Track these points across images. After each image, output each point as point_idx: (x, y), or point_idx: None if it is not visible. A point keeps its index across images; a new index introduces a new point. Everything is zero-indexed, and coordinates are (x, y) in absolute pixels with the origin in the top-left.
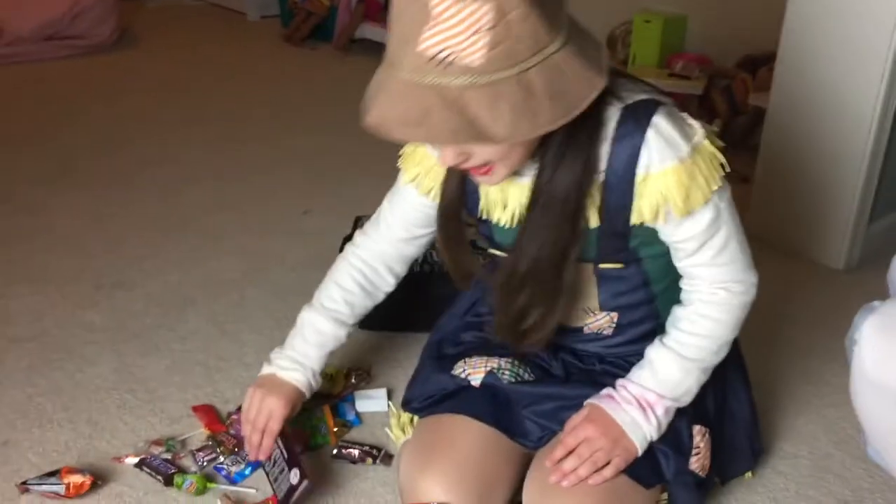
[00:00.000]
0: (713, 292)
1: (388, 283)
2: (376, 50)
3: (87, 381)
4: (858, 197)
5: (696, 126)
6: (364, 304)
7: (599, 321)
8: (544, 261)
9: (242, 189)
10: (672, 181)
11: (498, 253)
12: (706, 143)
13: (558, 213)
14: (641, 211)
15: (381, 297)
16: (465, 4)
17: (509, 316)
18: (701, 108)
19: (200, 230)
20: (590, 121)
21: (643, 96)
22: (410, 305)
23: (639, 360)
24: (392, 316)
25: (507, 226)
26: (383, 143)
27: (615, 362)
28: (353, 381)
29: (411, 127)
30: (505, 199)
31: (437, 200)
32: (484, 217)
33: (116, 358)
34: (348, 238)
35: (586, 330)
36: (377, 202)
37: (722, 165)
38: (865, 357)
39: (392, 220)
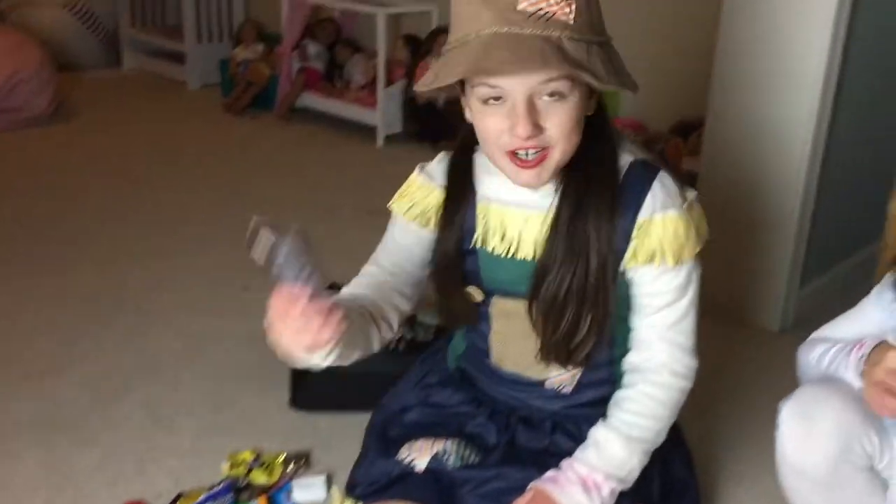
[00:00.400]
0: (658, 373)
1: (393, 312)
2: (318, 118)
3: (11, 480)
4: (790, 259)
5: (690, 189)
6: (381, 307)
7: (562, 376)
8: (589, 276)
9: (181, 266)
10: (671, 229)
11: (472, 292)
12: (698, 205)
13: (586, 236)
14: (637, 253)
15: (384, 328)
16: None
17: (558, 336)
18: None
19: (136, 310)
20: (610, 159)
21: (646, 157)
22: (351, 383)
23: (591, 425)
24: (331, 395)
25: (503, 255)
26: (327, 214)
27: (567, 427)
28: (290, 468)
29: (531, 62)
30: (504, 228)
31: (431, 229)
32: (478, 246)
33: (44, 452)
34: None
35: (547, 384)
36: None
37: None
38: (785, 443)
39: (387, 257)
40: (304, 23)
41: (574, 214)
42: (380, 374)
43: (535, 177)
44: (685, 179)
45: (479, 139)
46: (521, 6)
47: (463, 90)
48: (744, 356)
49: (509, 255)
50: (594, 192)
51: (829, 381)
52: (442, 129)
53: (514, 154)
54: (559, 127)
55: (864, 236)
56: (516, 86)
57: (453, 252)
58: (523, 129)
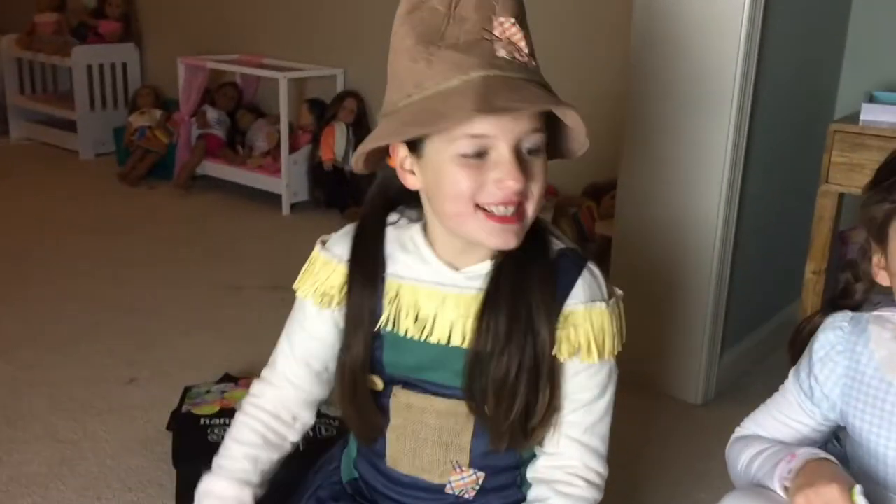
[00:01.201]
0: (571, 484)
1: (294, 432)
2: (220, 187)
3: None
4: (708, 328)
5: (616, 288)
6: (269, 459)
7: (465, 480)
8: (538, 353)
9: (57, 360)
10: (598, 322)
11: (376, 379)
12: (622, 304)
13: (530, 314)
14: (561, 345)
15: (287, 447)
16: (518, 24)
17: (512, 418)
18: None
19: (1, 414)
20: (543, 239)
21: (576, 248)
22: None
23: None
24: None
25: (414, 338)
26: (231, 292)
27: None
28: None
29: (538, 99)
30: (417, 308)
31: (340, 310)
32: (386, 328)
33: None
34: (176, 412)
35: (448, 489)
36: (214, 365)
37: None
38: None
39: (291, 353)
40: (202, 88)
41: (516, 291)
42: (275, 483)
43: (516, 234)
44: (600, 244)
45: (440, 201)
46: (500, 53)
47: (391, 153)
48: (665, 430)
49: (421, 338)
50: (533, 271)
51: (758, 491)
52: (350, 195)
53: (489, 212)
54: (539, 184)
55: (781, 299)
56: (506, 133)
57: (362, 336)
58: (517, 179)
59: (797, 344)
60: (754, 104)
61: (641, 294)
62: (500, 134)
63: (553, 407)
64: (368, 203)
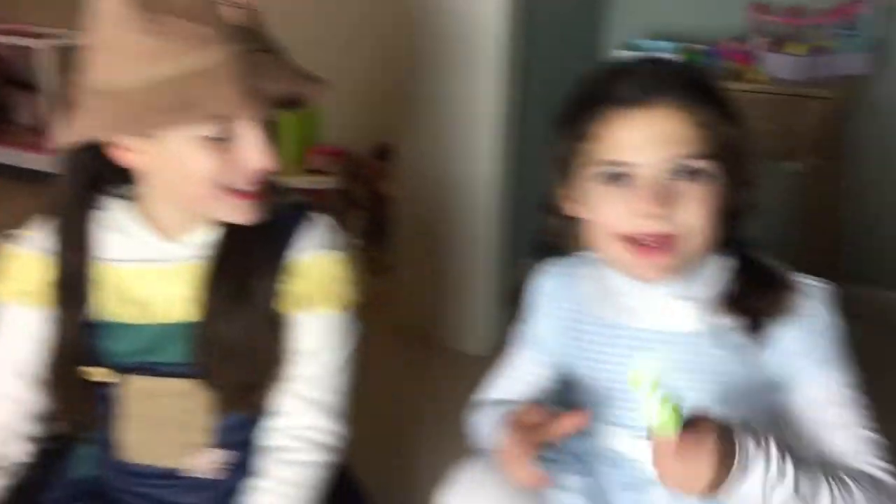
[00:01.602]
0: (297, 450)
1: (19, 451)
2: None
3: None
4: (490, 281)
5: (354, 239)
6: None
7: (212, 461)
8: (259, 318)
9: None
10: (326, 270)
11: (101, 371)
12: (358, 257)
13: (250, 279)
14: (290, 297)
15: (14, 469)
16: None
17: (239, 379)
18: (344, 201)
19: None
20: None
21: (303, 200)
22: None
23: None
24: None
25: (134, 322)
26: None
27: None
28: None
29: (295, 84)
30: (133, 290)
31: (47, 305)
32: (104, 317)
33: None
34: None
35: (195, 473)
36: None
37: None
38: None
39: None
40: None
41: (237, 254)
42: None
43: (260, 209)
44: (386, 202)
45: (178, 182)
46: (228, 16)
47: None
48: (447, 382)
49: (143, 321)
50: (256, 230)
51: (489, 462)
52: None
53: (235, 191)
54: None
55: None
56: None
57: (72, 327)
58: (267, 159)
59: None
60: (524, 60)
61: (424, 250)
62: (248, 115)
63: (281, 363)
64: (66, 186)
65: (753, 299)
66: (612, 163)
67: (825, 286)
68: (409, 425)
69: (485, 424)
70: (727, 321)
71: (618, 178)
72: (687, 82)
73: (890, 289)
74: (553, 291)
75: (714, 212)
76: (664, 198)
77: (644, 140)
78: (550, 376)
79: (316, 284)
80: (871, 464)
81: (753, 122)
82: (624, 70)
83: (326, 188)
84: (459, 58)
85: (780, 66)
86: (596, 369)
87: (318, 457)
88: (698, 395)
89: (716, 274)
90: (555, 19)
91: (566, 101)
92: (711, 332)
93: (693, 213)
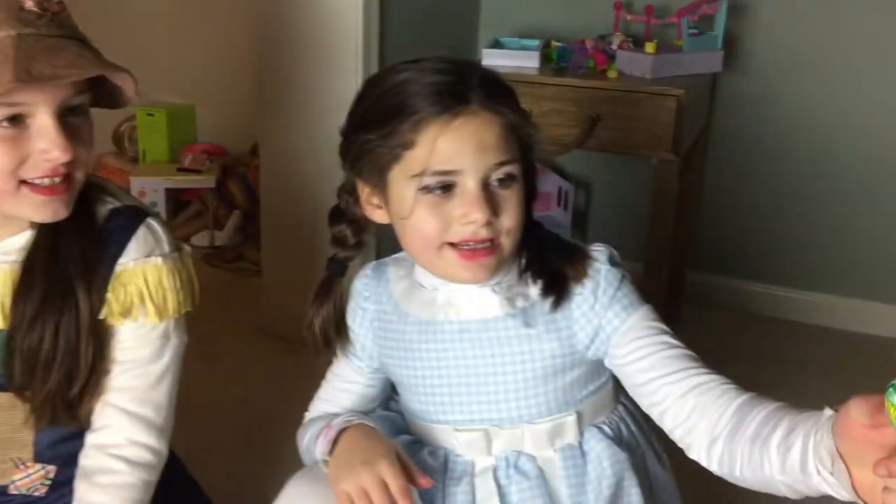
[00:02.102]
0: (110, 468)
1: None
2: None
3: None
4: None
5: (185, 246)
6: None
7: (31, 476)
8: (78, 323)
9: None
10: (152, 278)
11: None
12: (190, 262)
13: (69, 282)
14: (112, 306)
15: None
16: None
17: (50, 388)
18: (220, 200)
19: None
20: (82, 212)
21: (136, 204)
22: None
23: None
24: None
25: None
26: None
27: None
28: None
29: (81, 67)
30: None
31: None
32: None
33: None
34: None
35: (12, 489)
36: None
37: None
38: None
39: None
40: None
41: (52, 258)
42: None
43: (65, 204)
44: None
45: None
46: (27, 5)
47: None
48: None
49: None
50: (74, 234)
51: (314, 476)
52: None
53: (35, 185)
54: (87, 147)
55: None
56: (48, 101)
57: None
58: (64, 149)
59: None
60: (382, 57)
61: (289, 249)
62: (41, 102)
63: (97, 372)
64: None
65: (551, 265)
66: (438, 173)
67: (606, 247)
68: (262, 429)
69: (303, 438)
70: (533, 298)
71: (444, 187)
72: (494, 87)
73: (741, 277)
74: (367, 295)
75: (523, 209)
76: (491, 204)
77: (465, 148)
78: (373, 381)
79: (138, 293)
80: (699, 374)
81: (611, 119)
82: (430, 78)
83: (201, 187)
84: (321, 53)
85: (633, 64)
86: (418, 367)
87: (132, 478)
88: (520, 377)
89: (517, 258)
90: (418, 17)
91: (369, 104)
92: (522, 313)
93: (512, 216)
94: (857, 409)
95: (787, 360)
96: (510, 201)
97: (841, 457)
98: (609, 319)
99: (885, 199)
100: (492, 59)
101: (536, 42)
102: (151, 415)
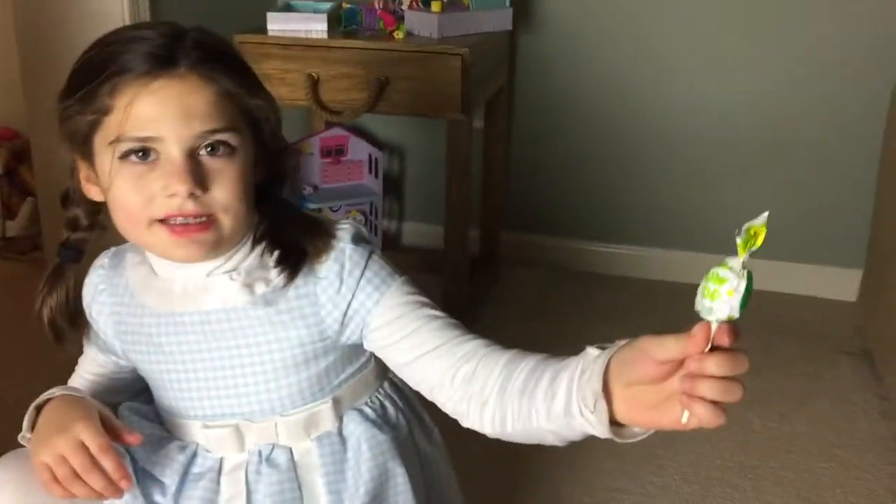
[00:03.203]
0: None
1: None
2: None
3: None
4: None
5: None
6: None
7: None
8: None
9: None
10: None
11: None
12: None
13: None
14: None
15: None
16: None
17: None
18: (11, 186)
19: None
20: None
21: None
22: None
23: None
24: None
25: None
26: None
27: None
28: None
29: None
30: None
31: None
32: None
33: None
34: None
35: None
36: None
37: None
38: None
39: None
40: None
41: None
42: None
43: None
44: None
45: None
46: None
47: None
48: None
49: None
50: None
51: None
52: None
53: None
54: None
55: None
56: None
57: None
58: None
59: None
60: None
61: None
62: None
63: None
64: None
65: (287, 238)
66: (134, 139)
67: (351, 223)
68: None
69: None
70: (275, 282)
71: (142, 154)
72: (208, 51)
73: (551, 234)
74: (103, 287)
75: (246, 186)
76: (197, 176)
77: (166, 113)
78: (113, 374)
79: None
80: (462, 342)
81: (400, 81)
82: (139, 37)
83: None
84: (86, 24)
85: (421, 24)
86: (162, 362)
87: None
88: (268, 367)
89: (253, 242)
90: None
91: (77, 66)
92: (263, 300)
93: (227, 190)
94: (650, 342)
95: (591, 312)
96: (224, 174)
97: (608, 394)
98: (361, 301)
99: (681, 150)
100: (277, 23)
101: (329, 5)
102: None
